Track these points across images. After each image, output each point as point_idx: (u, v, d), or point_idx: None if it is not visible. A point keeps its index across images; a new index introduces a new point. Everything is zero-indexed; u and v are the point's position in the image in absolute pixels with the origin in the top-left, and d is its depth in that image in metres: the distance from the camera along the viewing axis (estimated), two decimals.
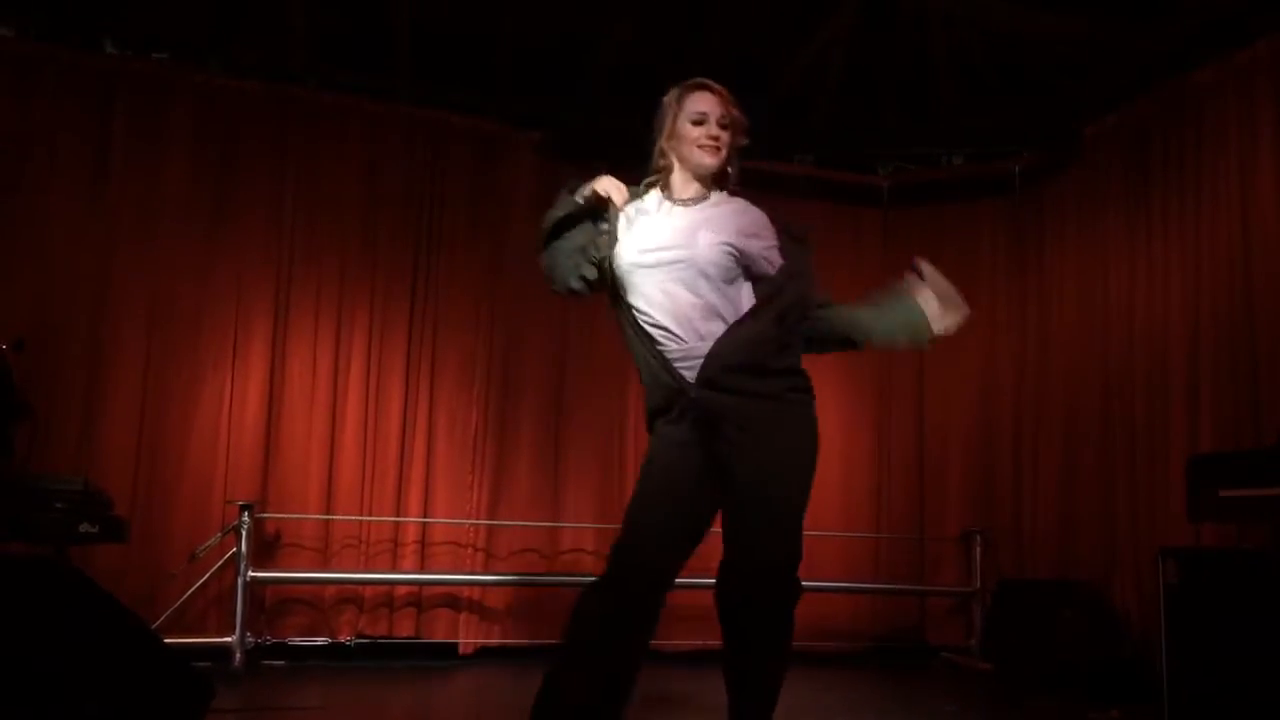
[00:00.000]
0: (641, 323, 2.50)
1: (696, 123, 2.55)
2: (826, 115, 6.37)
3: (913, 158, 7.07)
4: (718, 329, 2.44)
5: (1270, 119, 4.89)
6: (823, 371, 7.09)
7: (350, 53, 5.93)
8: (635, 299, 2.51)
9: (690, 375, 2.42)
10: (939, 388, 6.75)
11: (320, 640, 5.57)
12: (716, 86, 2.59)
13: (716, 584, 2.47)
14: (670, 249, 2.48)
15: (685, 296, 2.46)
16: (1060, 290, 6.21)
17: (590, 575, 5.89)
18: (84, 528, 3.78)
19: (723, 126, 2.55)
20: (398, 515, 5.77)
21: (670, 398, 2.45)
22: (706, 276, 2.47)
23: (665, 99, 2.62)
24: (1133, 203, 5.71)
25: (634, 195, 2.62)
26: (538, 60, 6.03)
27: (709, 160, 2.55)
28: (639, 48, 5.85)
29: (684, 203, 2.58)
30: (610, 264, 2.53)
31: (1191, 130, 5.36)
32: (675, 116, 2.57)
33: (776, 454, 2.42)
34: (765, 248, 2.53)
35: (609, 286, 2.57)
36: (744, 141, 2.61)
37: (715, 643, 2.55)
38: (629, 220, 2.58)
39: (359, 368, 5.80)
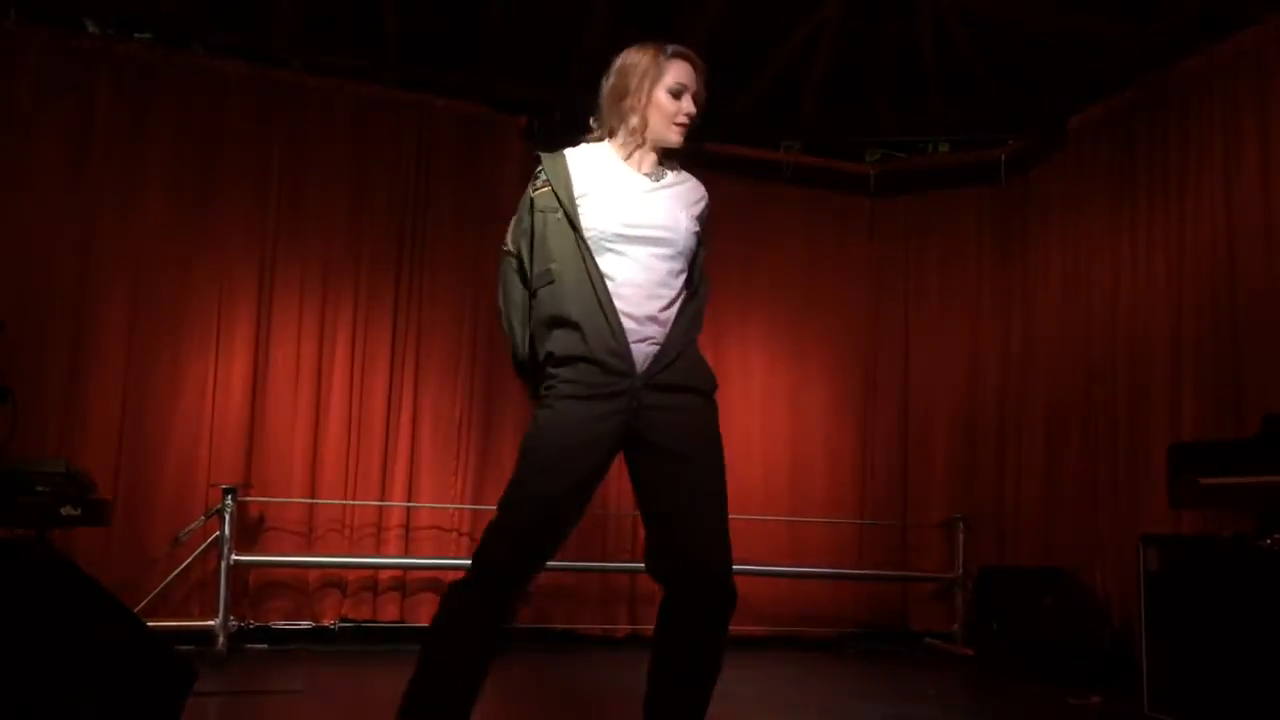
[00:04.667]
0: (606, 281, 2.28)
1: (675, 95, 2.37)
2: (814, 103, 6.38)
3: (899, 146, 7.09)
4: (665, 316, 2.31)
5: (1254, 110, 4.91)
6: (807, 357, 7.13)
7: (336, 35, 5.89)
8: (604, 264, 2.30)
9: (639, 360, 2.26)
10: (923, 374, 6.77)
11: (304, 624, 5.56)
12: (697, 59, 2.41)
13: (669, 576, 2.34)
14: (655, 228, 2.33)
15: (656, 277, 2.31)
16: (1045, 278, 6.24)
17: (573, 561, 5.93)
18: (66, 511, 3.77)
19: (697, 104, 2.39)
20: (382, 499, 5.76)
21: (608, 366, 2.26)
22: (679, 259, 2.35)
23: (636, 56, 2.41)
24: (1118, 192, 5.73)
25: (564, 164, 2.39)
26: (524, 44, 6.01)
27: (676, 139, 2.39)
28: (625, 32, 5.82)
29: (650, 177, 2.39)
30: (575, 223, 2.31)
31: (1176, 121, 5.38)
32: (653, 81, 2.37)
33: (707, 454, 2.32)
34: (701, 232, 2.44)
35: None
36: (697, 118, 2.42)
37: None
38: (591, 184, 2.35)
39: (344, 350, 5.78)
